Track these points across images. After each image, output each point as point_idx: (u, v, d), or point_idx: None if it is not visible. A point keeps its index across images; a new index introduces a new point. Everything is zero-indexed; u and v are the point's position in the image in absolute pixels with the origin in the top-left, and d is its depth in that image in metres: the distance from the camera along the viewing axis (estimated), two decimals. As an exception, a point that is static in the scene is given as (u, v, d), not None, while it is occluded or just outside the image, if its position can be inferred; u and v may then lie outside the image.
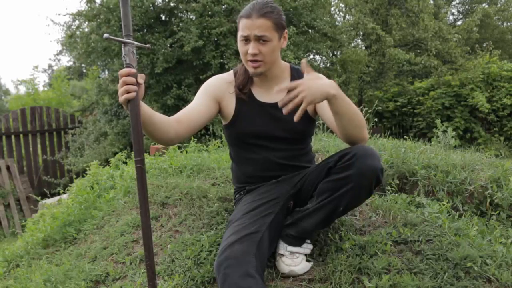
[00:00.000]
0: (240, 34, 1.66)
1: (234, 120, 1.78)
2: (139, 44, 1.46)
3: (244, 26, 1.63)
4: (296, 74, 1.80)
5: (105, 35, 1.40)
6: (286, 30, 1.72)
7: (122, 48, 1.42)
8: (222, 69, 6.07)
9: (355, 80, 8.07)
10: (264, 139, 1.77)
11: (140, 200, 1.45)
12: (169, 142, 1.63)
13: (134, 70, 1.41)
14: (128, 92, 1.40)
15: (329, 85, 1.44)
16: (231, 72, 1.84)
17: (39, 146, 8.12)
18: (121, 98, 1.41)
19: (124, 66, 1.43)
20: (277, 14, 1.65)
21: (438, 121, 3.71)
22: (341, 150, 1.62)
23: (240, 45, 1.68)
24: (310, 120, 1.79)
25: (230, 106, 1.78)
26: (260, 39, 1.62)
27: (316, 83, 1.43)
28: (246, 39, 1.65)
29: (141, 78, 1.43)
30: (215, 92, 1.77)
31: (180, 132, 1.63)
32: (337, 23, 8.19)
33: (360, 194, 1.57)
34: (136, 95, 1.41)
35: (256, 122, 1.76)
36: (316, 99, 1.41)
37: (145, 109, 1.49)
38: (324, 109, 1.70)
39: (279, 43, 1.69)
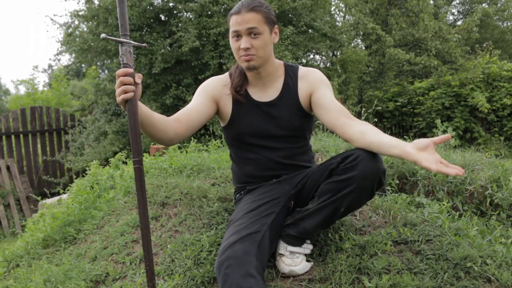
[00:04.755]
0: (231, 30, 1.67)
1: (232, 121, 1.79)
2: (136, 43, 1.46)
3: (234, 22, 1.65)
4: (291, 71, 1.80)
5: (102, 35, 1.39)
6: (276, 26, 1.74)
7: (119, 48, 1.42)
8: (220, 69, 6.07)
9: (355, 80, 8.07)
10: (262, 138, 1.77)
11: (139, 200, 1.45)
12: (169, 142, 1.63)
13: (131, 70, 1.41)
14: (126, 92, 1.40)
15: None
16: (227, 74, 1.85)
17: (39, 146, 8.12)
18: (119, 99, 1.41)
19: (121, 66, 1.43)
20: (266, 8, 1.67)
21: (438, 121, 3.71)
22: (343, 151, 1.62)
23: (232, 42, 1.69)
24: (306, 116, 1.79)
25: (227, 107, 1.78)
26: (251, 33, 1.64)
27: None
28: (238, 35, 1.66)
29: (139, 77, 1.43)
30: (212, 92, 1.78)
31: (180, 132, 1.63)
32: (337, 23, 8.19)
33: (362, 196, 1.57)
34: (134, 95, 1.41)
35: (254, 122, 1.76)
36: None
37: (144, 109, 1.49)
38: (322, 102, 1.69)
39: (271, 38, 1.70)
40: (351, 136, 1.56)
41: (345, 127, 1.58)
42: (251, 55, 1.66)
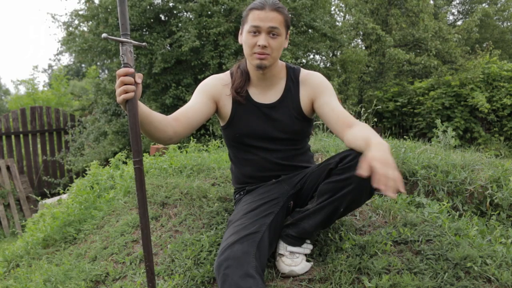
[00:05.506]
0: (250, 25, 1.64)
1: (231, 121, 1.78)
2: (136, 42, 1.46)
3: (256, 17, 1.63)
4: (292, 74, 1.80)
5: (103, 34, 1.39)
6: (289, 31, 1.74)
7: (120, 47, 1.42)
8: (220, 69, 6.07)
9: (355, 80, 8.07)
10: (261, 140, 1.76)
11: (139, 200, 1.44)
12: (168, 141, 1.63)
13: (132, 70, 1.41)
14: (127, 92, 1.39)
15: (382, 145, 1.36)
16: (227, 73, 1.84)
17: (39, 146, 8.12)
18: (119, 98, 1.40)
19: (122, 65, 1.42)
20: (287, 12, 1.68)
21: (438, 121, 3.71)
22: (342, 151, 1.62)
23: (248, 37, 1.66)
24: (306, 120, 1.79)
25: (226, 107, 1.78)
26: (271, 32, 1.63)
27: (385, 156, 1.32)
28: (257, 31, 1.63)
29: (139, 77, 1.43)
30: (212, 91, 1.77)
31: (179, 131, 1.63)
32: (337, 23, 8.19)
33: (361, 195, 1.57)
34: (134, 94, 1.41)
35: (253, 123, 1.76)
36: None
37: (143, 108, 1.49)
38: (323, 110, 1.69)
39: (284, 41, 1.71)
40: (347, 144, 1.59)
41: (341, 137, 1.61)
42: (266, 54, 1.65)
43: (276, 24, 1.62)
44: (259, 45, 1.63)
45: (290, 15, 1.73)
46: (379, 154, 1.31)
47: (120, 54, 1.42)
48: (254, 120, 1.76)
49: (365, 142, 1.42)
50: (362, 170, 1.31)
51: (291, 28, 6.26)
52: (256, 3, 1.65)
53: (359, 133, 1.51)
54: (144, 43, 1.52)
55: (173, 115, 1.66)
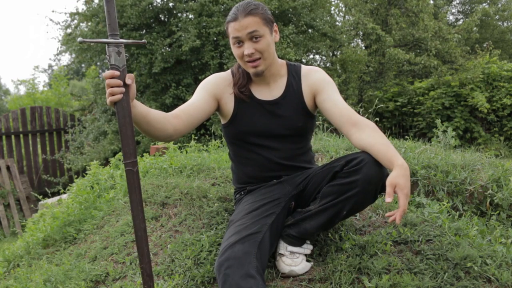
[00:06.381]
0: (231, 37, 1.66)
1: (233, 119, 1.78)
2: (124, 41, 1.39)
3: (233, 29, 1.63)
4: (293, 70, 1.80)
5: (79, 39, 1.34)
6: (275, 24, 1.72)
7: (106, 49, 1.37)
8: (220, 69, 6.07)
9: (355, 80, 8.07)
10: (263, 138, 1.76)
11: (132, 202, 1.40)
12: (168, 138, 1.62)
13: (117, 72, 1.36)
14: (113, 95, 1.36)
15: (405, 170, 1.46)
16: (229, 71, 1.83)
17: (39, 146, 8.12)
18: (107, 101, 1.38)
19: (109, 67, 1.38)
20: (262, 9, 1.65)
21: (438, 121, 3.71)
22: (348, 154, 1.62)
23: (234, 49, 1.68)
24: (309, 116, 1.79)
25: (229, 105, 1.77)
26: (252, 37, 1.62)
27: (406, 180, 1.45)
28: (239, 42, 1.64)
29: (129, 78, 1.38)
30: (214, 89, 1.76)
31: (179, 128, 1.62)
32: (337, 23, 8.19)
33: (365, 199, 1.57)
34: (124, 96, 1.37)
35: (256, 120, 1.76)
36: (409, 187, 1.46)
37: (139, 108, 1.47)
38: (326, 105, 1.69)
39: (272, 38, 1.69)
40: (356, 146, 1.62)
41: (348, 136, 1.63)
42: (257, 61, 1.65)
43: (253, 28, 1.61)
44: (246, 54, 1.63)
45: (267, 9, 1.69)
46: (404, 183, 1.43)
47: (106, 55, 1.38)
48: (257, 117, 1.75)
49: (387, 159, 1.49)
50: (388, 195, 1.43)
51: (291, 26, 6.24)
52: (230, 15, 1.65)
53: (372, 140, 1.54)
54: (143, 41, 1.50)
55: (174, 112, 1.65)
